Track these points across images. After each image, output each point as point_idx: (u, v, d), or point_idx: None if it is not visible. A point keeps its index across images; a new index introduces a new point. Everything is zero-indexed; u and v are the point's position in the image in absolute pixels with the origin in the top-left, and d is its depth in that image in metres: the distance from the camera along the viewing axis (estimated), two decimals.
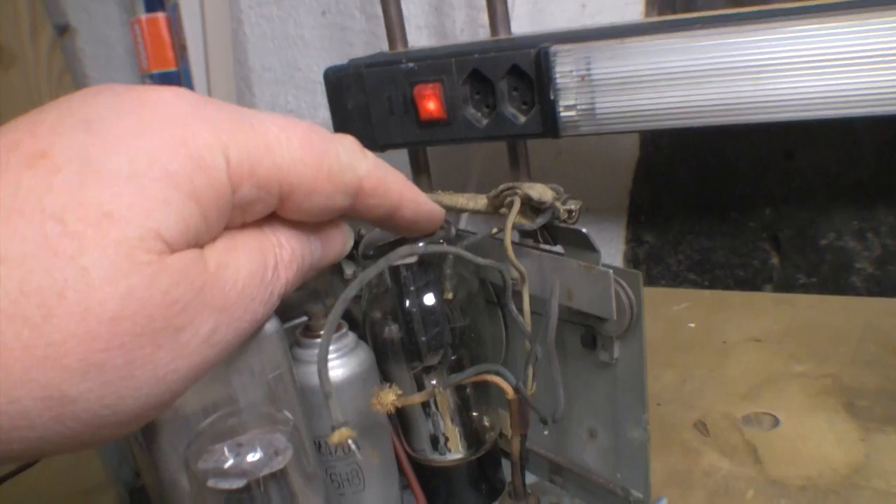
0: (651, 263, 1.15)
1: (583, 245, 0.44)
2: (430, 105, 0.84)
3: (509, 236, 0.42)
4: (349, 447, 0.32)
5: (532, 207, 0.44)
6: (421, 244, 0.38)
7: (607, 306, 0.43)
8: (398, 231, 0.40)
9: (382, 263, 0.37)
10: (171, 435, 0.38)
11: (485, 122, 0.85)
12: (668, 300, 0.97)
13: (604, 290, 0.42)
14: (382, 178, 0.37)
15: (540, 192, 0.43)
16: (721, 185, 1.09)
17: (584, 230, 0.43)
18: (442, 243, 0.47)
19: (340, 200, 0.35)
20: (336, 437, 0.32)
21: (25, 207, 0.26)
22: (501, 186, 0.44)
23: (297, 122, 0.34)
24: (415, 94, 0.84)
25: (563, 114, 0.81)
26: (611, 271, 0.42)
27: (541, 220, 0.44)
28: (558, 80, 0.80)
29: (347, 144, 0.36)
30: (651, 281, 1.14)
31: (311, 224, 0.37)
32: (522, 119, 0.83)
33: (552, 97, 0.80)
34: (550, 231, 0.46)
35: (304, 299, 0.48)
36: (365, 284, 0.36)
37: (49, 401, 0.26)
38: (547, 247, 0.46)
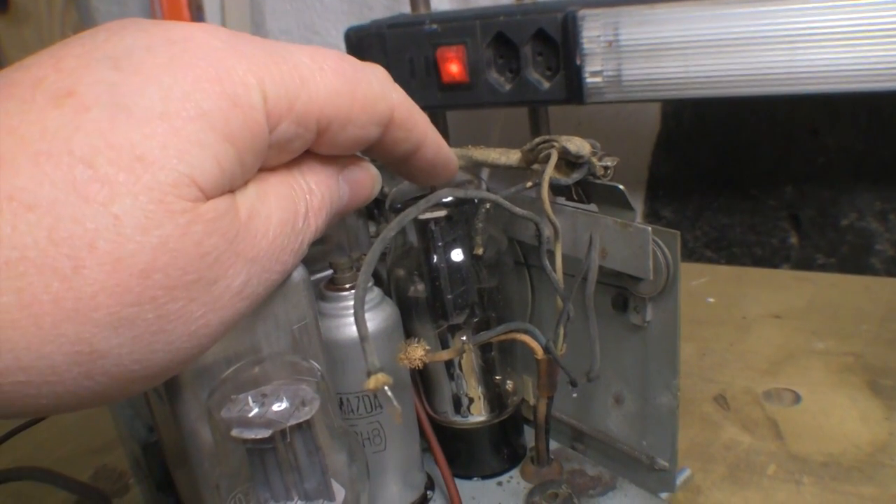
0: None
1: (618, 203, 0.43)
2: (453, 68, 0.82)
3: (546, 188, 0.41)
4: (385, 394, 0.31)
5: (567, 163, 0.43)
6: (460, 190, 0.37)
7: (643, 265, 0.41)
8: (414, 175, 0.39)
9: (423, 204, 0.35)
10: (193, 385, 0.37)
11: (508, 87, 0.83)
12: (687, 275, 0.95)
13: (641, 248, 0.41)
14: (411, 110, 0.36)
15: (578, 145, 0.41)
16: (742, 161, 1.07)
17: (620, 186, 0.42)
18: (474, 199, 0.45)
19: (373, 131, 0.34)
20: (372, 382, 0.31)
21: (53, 149, 0.24)
22: (537, 140, 0.43)
23: (327, 51, 0.32)
24: (437, 57, 0.82)
25: (588, 80, 0.79)
26: (649, 228, 0.40)
27: (576, 176, 0.42)
28: (585, 46, 0.78)
29: (379, 73, 0.34)
30: None
31: (339, 168, 0.35)
32: (546, 85, 0.81)
33: (578, 63, 0.79)
34: (584, 188, 0.44)
35: (327, 253, 0.47)
36: (402, 227, 0.34)
37: (79, 356, 0.25)
38: (580, 205, 0.45)
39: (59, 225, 0.24)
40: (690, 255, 1.12)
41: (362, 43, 0.85)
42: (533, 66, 0.82)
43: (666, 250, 0.41)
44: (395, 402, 0.31)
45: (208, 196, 0.27)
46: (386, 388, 0.31)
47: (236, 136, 0.28)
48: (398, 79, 0.36)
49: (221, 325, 0.29)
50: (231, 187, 0.29)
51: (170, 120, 0.26)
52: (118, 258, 0.25)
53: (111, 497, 0.63)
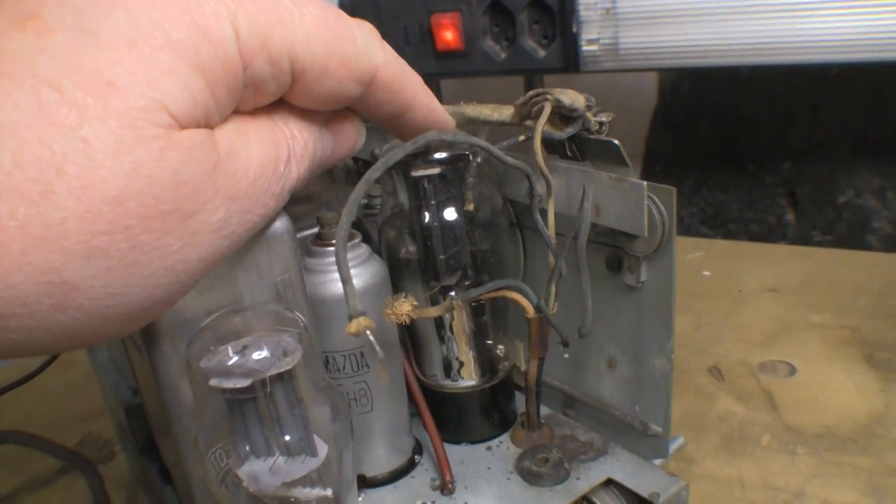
0: None
1: (613, 160, 0.42)
2: (448, 35, 0.81)
3: (539, 139, 0.39)
4: (367, 338, 0.29)
5: (561, 117, 0.42)
6: (448, 133, 0.36)
7: (638, 222, 0.40)
8: (405, 136, 0.38)
9: (409, 146, 0.34)
10: (173, 337, 0.35)
11: (503, 55, 0.82)
12: (683, 248, 0.94)
13: (635, 204, 0.40)
14: (398, 72, 0.34)
15: (572, 97, 0.40)
16: (740, 137, 1.07)
17: (615, 141, 0.41)
18: (467, 154, 0.44)
19: (352, 88, 0.32)
20: (354, 325, 0.30)
21: (16, 71, 0.23)
22: (531, 93, 0.42)
23: None
24: (432, 24, 0.81)
25: (585, 48, 0.78)
26: (644, 184, 0.39)
27: (570, 130, 0.41)
28: (582, 13, 0.77)
29: (365, 30, 0.33)
30: None
31: (323, 117, 0.34)
32: (542, 53, 0.80)
33: (575, 30, 0.78)
34: (578, 144, 0.43)
35: (314, 210, 0.46)
36: (390, 167, 0.33)
37: (50, 286, 0.24)
38: (574, 162, 0.44)
39: (25, 147, 0.23)
40: (687, 231, 1.11)
41: (356, 9, 0.84)
42: (529, 33, 0.81)
43: (661, 207, 0.40)
44: (378, 347, 0.30)
45: (182, 125, 0.26)
46: (368, 332, 0.30)
47: (206, 68, 0.27)
48: (393, 47, 0.34)
49: (200, 262, 0.28)
50: (207, 121, 0.28)
51: (138, 47, 0.25)
52: (88, 183, 0.24)
53: (96, 464, 0.62)
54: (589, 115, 0.41)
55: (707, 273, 0.87)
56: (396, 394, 0.47)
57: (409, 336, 0.50)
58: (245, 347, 0.33)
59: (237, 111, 0.30)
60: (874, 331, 0.72)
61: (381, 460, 0.48)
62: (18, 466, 0.67)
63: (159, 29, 0.26)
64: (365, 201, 0.56)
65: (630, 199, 0.40)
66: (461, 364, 0.49)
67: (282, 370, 0.32)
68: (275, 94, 0.31)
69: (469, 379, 0.50)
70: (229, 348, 0.33)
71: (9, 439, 0.65)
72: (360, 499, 0.47)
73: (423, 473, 0.48)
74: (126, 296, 0.26)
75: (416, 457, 0.49)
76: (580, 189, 0.42)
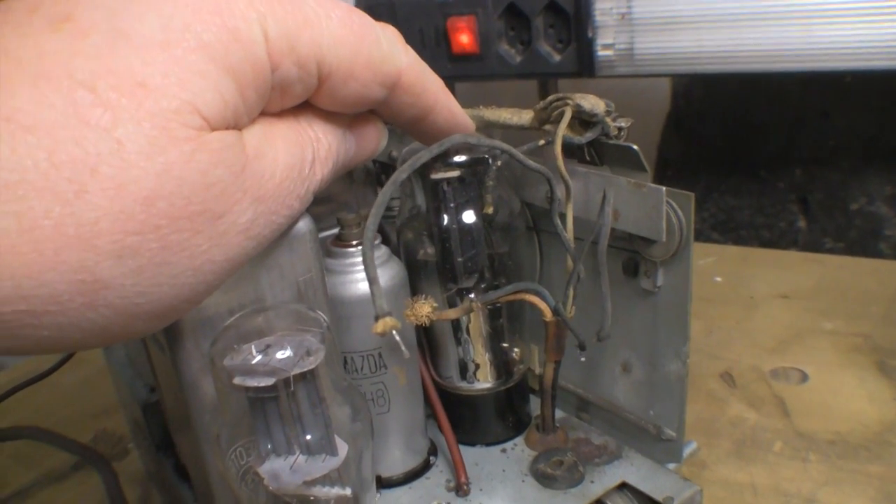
0: None
1: (632, 165, 0.42)
2: (464, 38, 0.81)
3: (559, 144, 0.40)
4: (392, 338, 0.30)
5: (581, 122, 0.42)
6: (472, 136, 0.36)
7: (656, 226, 0.40)
8: (426, 139, 0.38)
9: (436, 148, 0.34)
10: (195, 335, 0.36)
11: (518, 59, 0.82)
12: (694, 254, 0.94)
13: (654, 209, 0.40)
14: (421, 75, 0.35)
15: (592, 103, 0.40)
16: (752, 143, 1.07)
17: (634, 147, 0.41)
18: (487, 158, 0.45)
19: (376, 91, 0.33)
20: (380, 325, 0.30)
21: (52, 72, 0.24)
22: (551, 98, 0.42)
23: (337, 1, 0.31)
24: (448, 27, 0.82)
25: (600, 53, 0.79)
26: (663, 189, 0.40)
27: (590, 135, 0.41)
28: (597, 18, 0.77)
29: (389, 33, 0.34)
30: None
31: (347, 119, 0.35)
32: (557, 57, 0.81)
33: (590, 35, 0.78)
34: (597, 149, 0.43)
35: (334, 211, 0.46)
36: (415, 169, 0.33)
37: (82, 285, 0.25)
38: (593, 167, 0.44)
39: (60, 148, 0.23)
40: (698, 236, 1.11)
41: (372, 12, 0.83)
42: (544, 38, 0.81)
43: (679, 212, 0.40)
44: (404, 347, 0.30)
45: (213, 127, 0.27)
46: (394, 332, 0.30)
47: (237, 70, 0.27)
48: None
49: (226, 262, 0.28)
50: (236, 123, 0.28)
51: (170, 49, 0.26)
52: (121, 184, 0.24)
53: (110, 460, 0.62)
54: (608, 120, 0.42)
55: (718, 279, 0.87)
56: (413, 395, 0.47)
57: (426, 338, 0.50)
58: (268, 346, 0.34)
59: (263, 113, 0.31)
60: (886, 338, 0.72)
61: (396, 461, 0.48)
62: (33, 462, 0.68)
63: (190, 31, 0.26)
64: None
65: (648, 203, 0.41)
66: (477, 366, 0.50)
67: (305, 369, 0.33)
68: (301, 97, 0.32)
69: (485, 381, 0.50)
70: (253, 347, 0.34)
71: (23, 435, 0.66)
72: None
73: (438, 475, 0.49)
74: (155, 294, 0.27)
75: (431, 458, 0.50)
76: (598, 193, 0.43)
